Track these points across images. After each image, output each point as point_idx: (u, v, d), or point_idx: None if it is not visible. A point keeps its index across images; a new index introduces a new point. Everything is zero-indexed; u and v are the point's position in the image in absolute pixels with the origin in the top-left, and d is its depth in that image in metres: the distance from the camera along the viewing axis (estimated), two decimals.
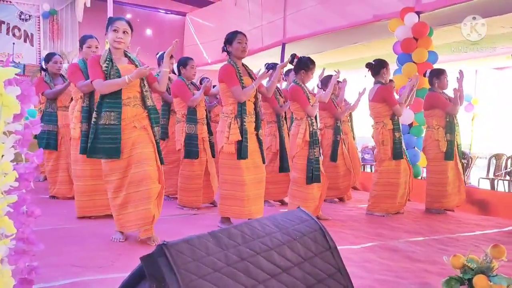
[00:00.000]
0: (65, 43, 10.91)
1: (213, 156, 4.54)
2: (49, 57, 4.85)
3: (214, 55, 10.18)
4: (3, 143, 0.91)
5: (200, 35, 11.03)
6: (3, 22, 10.45)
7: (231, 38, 3.58)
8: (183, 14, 11.67)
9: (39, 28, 10.66)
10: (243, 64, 3.69)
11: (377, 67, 4.51)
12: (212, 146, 4.52)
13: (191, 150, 4.30)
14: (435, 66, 5.69)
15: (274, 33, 8.55)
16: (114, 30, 3.02)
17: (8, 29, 10.47)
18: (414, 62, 5.83)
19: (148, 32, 11.36)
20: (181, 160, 4.44)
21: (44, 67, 4.86)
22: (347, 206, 5.18)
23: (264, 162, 3.73)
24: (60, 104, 4.72)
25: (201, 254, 1.54)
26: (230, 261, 1.59)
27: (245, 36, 3.60)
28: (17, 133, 0.95)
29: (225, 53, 3.66)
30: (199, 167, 4.40)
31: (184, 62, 4.44)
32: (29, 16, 10.58)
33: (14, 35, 10.52)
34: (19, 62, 9.79)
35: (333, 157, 5.06)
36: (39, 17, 10.61)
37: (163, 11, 11.67)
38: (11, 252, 0.95)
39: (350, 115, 5.91)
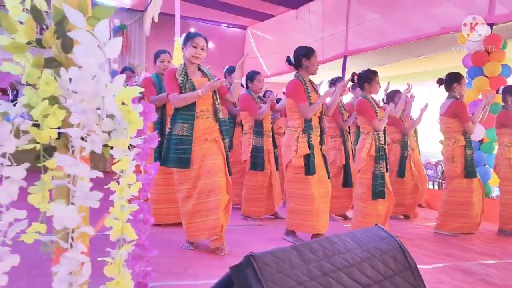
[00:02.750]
0: (133, 56, 11.47)
1: (277, 169, 4.60)
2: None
3: (273, 67, 10.31)
4: (127, 155, 0.99)
5: (260, 48, 11.21)
6: None
7: (310, 53, 3.62)
8: (244, 28, 11.93)
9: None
10: (309, 80, 3.72)
11: (449, 81, 4.38)
12: (276, 159, 4.58)
13: (257, 162, 4.38)
14: (509, 80, 5.43)
15: (335, 46, 8.53)
16: (194, 46, 3.15)
17: None
18: (485, 76, 5.60)
19: (211, 45, 11.69)
20: (246, 171, 4.53)
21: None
22: (413, 223, 5.02)
23: (329, 177, 3.72)
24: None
25: (285, 267, 1.57)
26: (313, 275, 1.62)
27: None
28: (138, 146, 1.04)
29: (287, 66, 3.71)
30: (263, 178, 4.47)
31: (251, 76, 4.54)
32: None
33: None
34: None
35: (401, 173, 4.94)
36: (110, 32, 11.26)
37: (225, 25, 12.00)
38: (129, 257, 1.03)
39: (415, 130, 5.76)
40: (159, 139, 3.88)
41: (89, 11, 0.97)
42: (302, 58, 3.63)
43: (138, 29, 11.42)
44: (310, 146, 3.53)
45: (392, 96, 4.83)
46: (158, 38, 10.97)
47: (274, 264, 1.57)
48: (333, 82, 4.80)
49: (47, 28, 0.94)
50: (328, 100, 3.82)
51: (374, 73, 4.01)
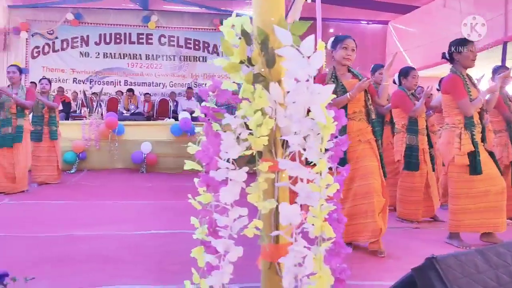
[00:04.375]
0: None
1: (433, 169, 4.36)
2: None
3: (418, 61, 9.75)
4: (322, 158, 1.07)
5: (403, 42, 10.71)
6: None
7: (463, 45, 3.39)
8: (385, 23, 11.53)
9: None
10: (467, 74, 3.46)
11: None
12: (432, 158, 4.35)
13: (411, 161, 4.21)
14: None
15: (492, 32, 7.72)
16: (344, 48, 3.18)
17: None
18: None
19: None
20: (400, 172, 4.38)
21: None
22: None
23: (501, 173, 3.42)
24: None
25: (470, 271, 1.51)
26: (501, 282, 1.52)
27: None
28: (330, 149, 1.11)
29: (434, 59, 3.50)
30: (420, 179, 4.26)
31: (406, 72, 4.38)
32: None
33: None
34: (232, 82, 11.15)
35: None
36: None
37: (365, 22, 11.76)
38: (326, 253, 1.10)
39: None
40: None
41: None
42: (455, 51, 3.41)
43: None
44: (474, 144, 3.28)
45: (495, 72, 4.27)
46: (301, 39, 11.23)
47: (459, 268, 1.52)
48: (496, 70, 4.38)
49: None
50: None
51: None
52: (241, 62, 1.04)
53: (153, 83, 12.07)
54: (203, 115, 1.03)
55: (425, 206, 4.34)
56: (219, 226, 0.98)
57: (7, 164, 5.41)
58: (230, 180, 0.97)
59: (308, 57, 0.94)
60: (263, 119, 0.97)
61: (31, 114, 6.08)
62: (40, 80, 6.55)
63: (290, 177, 1.07)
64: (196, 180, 1.07)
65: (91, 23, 11.75)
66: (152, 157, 7.73)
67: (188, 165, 1.06)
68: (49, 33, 11.59)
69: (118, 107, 10.24)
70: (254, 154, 1.02)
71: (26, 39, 11.53)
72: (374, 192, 3.07)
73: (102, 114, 8.06)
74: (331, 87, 0.97)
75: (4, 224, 3.83)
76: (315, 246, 1.07)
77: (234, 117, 0.98)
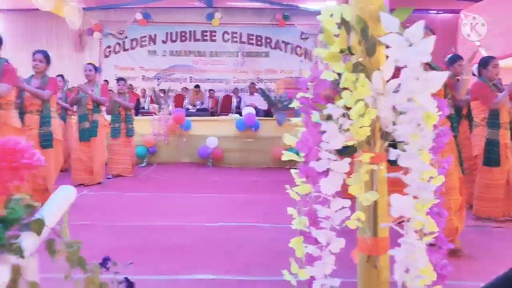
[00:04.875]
0: None
1: None
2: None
3: (493, 51, 9.18)
4: (423, 150, 1.03)
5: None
6: (288, 43, 12.05)
7: None
8: (457, 12, 10.94)
9: (317, 44, 11.84)
10: None
11: None
12: None
13: (491, 157, 3.98)
14: None
15: None
16: None
17: (292, 48, 12.03)
18: None
19: None
20: (478, 167, 4.15)
21: None
22: None
23: None
24: None
25: None
26: None
27: None
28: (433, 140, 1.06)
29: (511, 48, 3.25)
30: (500, 176, 4.01)
31: (486, 62, 4.13)
32: (309, 35, 11.88)
33: (296, 53, 11.99)
34: (296, 77, 10.99)
35: None
36: (316, 35, 11.80)
37: (434, 12, 11.25)
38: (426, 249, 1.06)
39: None
40: None
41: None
42: None
43: None
44: None
45: None
46: None
47: None
48: None
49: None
50: None
51: None
52: (341, 52, 1.03)
53: (216, 79, 12.30)
54: (302, 106, 1.02)
55: (505, 205, 4.08)
56: (320, 217, 0.98)
57: (85, 158, 5.76)
58: (332, 170, 0.96)
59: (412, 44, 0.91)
60: (365, 109, 0.95)
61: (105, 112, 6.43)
62: (118, 81, 6.91)
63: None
64: (293, 171, 1.07)
65: (158, 22, 12.17)
66: (218, 152, 7.89)
67: (286, 156, 1.06)
68: (119, 33, 12.17)
69: (184, 103, 10.55)
70: (353, 145, 1.00)
71: (99, 39, 12.18)
72: (452, 190, 2.93)
73: (170, 110, 8.34)
74: (446, 73, 0.93)
75: (85, 213, 4.08)
76: (417, 240, 1.03)
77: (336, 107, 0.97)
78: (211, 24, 12.11)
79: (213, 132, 8.01)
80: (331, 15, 1.01)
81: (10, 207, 0.94)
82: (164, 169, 7.52)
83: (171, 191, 5.55)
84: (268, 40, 12.16)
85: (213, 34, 12.28)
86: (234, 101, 10.90)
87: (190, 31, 12.24)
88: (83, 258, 0.92)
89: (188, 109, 9.98)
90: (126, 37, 12.22)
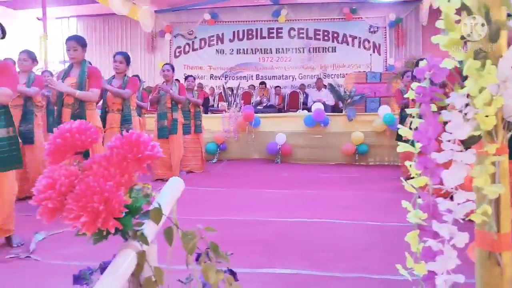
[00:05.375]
0: (408, 48, 11.33)
1: None
2: None
3: None
4: None
5: None
6: (356, 37, 11.79)
7: None
8: None
9: (386, 37, 11.46)
10: None
11: None
12: None
13: None
14: None
15: None
16: None
17: (359, 42, 11.76)
18: None
19: None
20: None
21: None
22: None
23: None
24: None
25: None
26: None
27: None
28: None
29: None
30: None
31: None
32: (377, 28, 11.54)
33: (364, 47, 11.70)
34: (366, 71, 10.62)
35: None
36: (385, 28, 11.42)
37: None
38: None
39: None
40: None
41: None
42: None
43: (414, 20, 11.20)
44: None
45: None
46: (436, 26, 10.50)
47: None
48: None
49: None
50: None
51: None
52: (462, 38, 0.98)
53: (283, 76, 12.32)
54: (418, 96, 0.99)
55: None
56: (441, 210, 0.94)
57: (164, 154, 5.99)
58: (455, 162, 0.92)
59: None
60: (491, 97, 0.90)
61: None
62: (187, 77, 7.14)
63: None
64: (408, 163, 1.04)
65: (225, 21, 12.41)
66: (286, 148, 7.90)
67: (402, 147, 1.03)
68: (189, 34, 12.55)
69: (251, 100, 10.67)
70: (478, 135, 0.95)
71: (170, 40, 12.64)
72: None
73: (240, 107, 8.47)
74: None
75: None
76: None
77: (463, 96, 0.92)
78: (277, 21, 12.14)
79: (281, 128, 8.03)
80: (449, 0, 0.97)
81: (133, 196, 1.00)
82: (234, 165, 7.66)
83: (243, 187, 5.64)
84: (335, 35, 11.98)
85: (279, 31, 12.30)
86: (301, 97, 10.86)
87: (256, 29, 12.35)
88: (216, 244, 0.95)
89: (255, 106, 10.09)
90: (195, 37, 12.57)
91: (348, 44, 11.87)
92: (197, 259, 1.16)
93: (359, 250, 3.02)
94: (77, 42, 3.93)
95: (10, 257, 2.79)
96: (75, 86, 3.85)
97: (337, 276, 2.56)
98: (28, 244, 3.01)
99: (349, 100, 7.95)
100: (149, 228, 1.02)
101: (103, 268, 1.18)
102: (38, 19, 11.69)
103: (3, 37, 2.85)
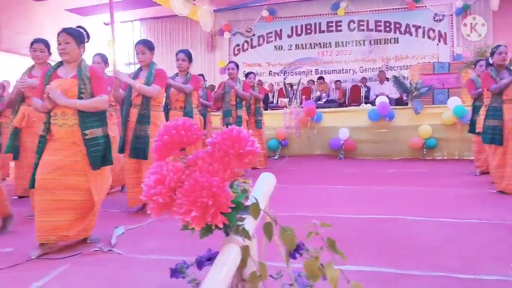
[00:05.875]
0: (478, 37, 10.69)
1: None
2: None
3: None
4: None
5: None
6: (420, 27, 11.31)
7: None
8: None
9: (452, 26, 10.90)
10: None
11: None
12: None
13: None
14: None
15: None
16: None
17: (423, 32, 11.26)
18: None
19: None
20: None
21: (490, 61, 4.80)
22: None
23: None
24: (506, 97, 4.55)
25: None
26: None
27: None
28: None
29: None
30: None
31: None
32: (443, 16, 10.99)
33: (429, 37, 11.20)
34: (432, 62, 10.05)
35: None
36: (451, 15, 10.86)
37: None
38: None
39: None
40: None
41: None
42: None
43: (484, 5, 10.54)
44: None
45: None
46: (508, 11, 9.87)
47: None
48: None
49: None
50: None
51: None
52: None
53: (343, 69, 12.10)
54: None
55: None
56: None
57: None
58: None
59: None
60: None
61: None
62: (248, 74, 7.19)
63: None
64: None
65: (283, 17, 12.37)
66: (350, 143, 7.75)
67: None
68: (247, 31, 12.65)
69: (311, 95, 10.57)
70: None
71: (229, 38, 12.81)
72: None
73: (301, 103, 8.41)
74: None
75: None
76: None
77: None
78: (336, 14, 11.92)
79: (344, 123, 7.89)
80: None
81: (234, 191, 1.00)
82: (297, 161, 7.63)
83: (307, 183, 5.60)
84: (397, 25, 11.56)
85: (338, 24, 12.08)
86: (363, 91, 10.61)
87: (315, 23, 12.21)
88: (333, 240, 0.94)
89: (315, 101, 9.99)
90: (253, 35, 12.65)
91: (411, 35, 11.41)
92: (291, 255, 1.15)
93: (435, 248, 2.89)
94: (145, 46, 4.06)
95: (94, 250, 2.95)
96: None
97: (416, 274, 2.47)
98: (109, 238, 3.16)
99: (415, 93, 7.65)
100: (249, 223, 1.03)
101: (199, 262, 1.21)
102: (105, 24, 12.28)
103: (87, 41, 3.02)
